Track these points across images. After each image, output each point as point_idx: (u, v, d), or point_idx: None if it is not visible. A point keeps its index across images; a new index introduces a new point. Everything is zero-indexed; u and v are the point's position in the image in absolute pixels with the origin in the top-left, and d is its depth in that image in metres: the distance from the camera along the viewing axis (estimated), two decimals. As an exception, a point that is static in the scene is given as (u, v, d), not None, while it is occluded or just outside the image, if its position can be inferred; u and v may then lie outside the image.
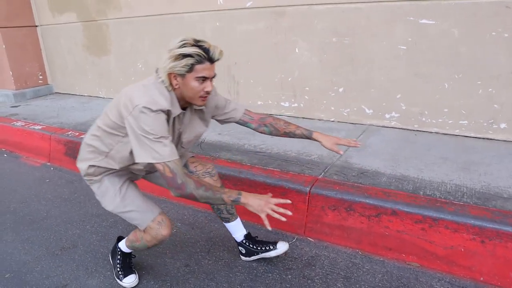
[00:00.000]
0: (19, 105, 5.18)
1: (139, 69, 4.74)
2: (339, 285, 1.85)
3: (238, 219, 2.04)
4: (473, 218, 1.84)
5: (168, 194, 2.49)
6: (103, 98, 5.29)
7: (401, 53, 3.03)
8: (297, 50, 3.49)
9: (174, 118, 1.59)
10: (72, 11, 5.11)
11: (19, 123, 4.11)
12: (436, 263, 1.92)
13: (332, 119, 3.54)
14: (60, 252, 2.22)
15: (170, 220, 1.75)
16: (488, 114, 2.83)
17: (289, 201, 1.57)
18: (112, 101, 1.64)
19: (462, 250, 1.85)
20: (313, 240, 2.22)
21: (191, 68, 1.46)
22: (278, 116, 3.19)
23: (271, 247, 1.99)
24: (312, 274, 1.93)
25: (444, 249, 1.89)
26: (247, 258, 2.05)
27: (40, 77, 5.81)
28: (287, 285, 1.86)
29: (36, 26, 5.61)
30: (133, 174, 1.81)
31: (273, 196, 1.59)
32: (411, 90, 3.08)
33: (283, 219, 1.50)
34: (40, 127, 3.90)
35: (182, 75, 1.48)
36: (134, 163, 1.61)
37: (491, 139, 2.87)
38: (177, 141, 1.70)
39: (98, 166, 1.71)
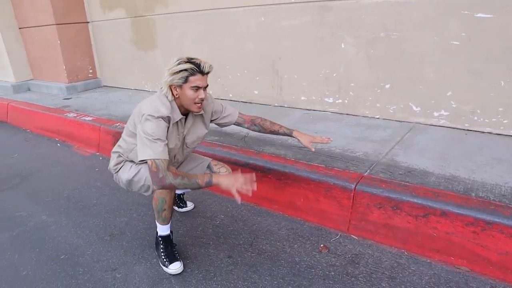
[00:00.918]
0: (70, 98, 5.45)
1: (184, 63, 4.83)
2: (384, 285, 1.81)
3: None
4: (531, 222, 1.74)
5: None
6: (149, 91, 5.45)
7: (453, 48, 2.90)
8: (343, 46, 3.43)
9: (177, 122, 1.91)
10: (121, 7, 5.30)
11: (71, 115, 4.33)
12: (488, 269, 1.83)
13: (377, 116, 3.46)
14: (109, 238, 2.32)
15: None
16: (548, 114, 2.66)
17: (253, 175, 1.74)
18: (131, 116, 1.98)
19: (518, 256, 1.76)
20: (356, 238, 2.19)
21: (186, 80, 1.79)
22: (323, 113, 3.23)
23: (182, 205, 2.59)
24: (356, 272, 1.91)
25: (498, 255, 1.80)
26: (180, 209, 2.59)
27: (90, 71, 6.08)
28: (330, 282, 1.85)
29: (88, 22, 5.86)
30: None
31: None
32: (463, 87, 2.94)
33: (249, 193, 1.69)
34: (90, 119, 4.08)
35: (180, 86, 1.81)
36: None
37: (550, 140, 2.69)
38: (182, 142, 2.01)
39: (123, 157, 2.08)
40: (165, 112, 1.81)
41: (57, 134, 4.37)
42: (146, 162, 1.81)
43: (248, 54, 4.12)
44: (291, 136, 2.24)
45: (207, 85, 1.87)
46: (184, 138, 2.02)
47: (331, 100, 3.68)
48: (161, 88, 1.88)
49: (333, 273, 1.91)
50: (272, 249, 2.12)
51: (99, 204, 2.75)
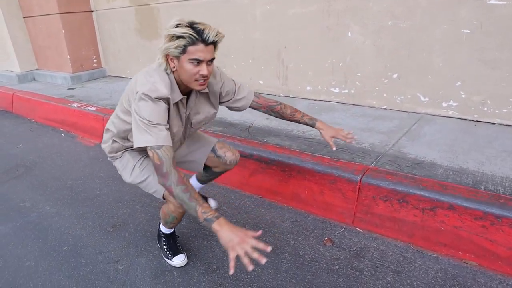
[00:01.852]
0: (75, 87, 5.43)
1: (188, 53, 4.78)
2: (389, 279, 1.78)
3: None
4: (542, 217, 1.69)
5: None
6: (153, 81, 5.40)
7: (464, 37, 2.81)
8: (349, 34, 3.35)
9: (177, 102, 1.59)
10: (126, -5, 5.24)
11: (75, 105, 4.31)
12: (497, 264, 1.79)
13: (384, 107, 3.39)
14: (112, 229, 2.30)
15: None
16: (561, 104, 2.58)
17: (269, 249, 1.28)
18: (126, 89, 1.66)
19: (528, 251, 1.71)
20: (362, 231, 2.15)
21: (183, 50, 1.43)
22: (328, 103, 3.13)
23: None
24: (361, 266, 1.87)
25: (507, 250, 1.75)
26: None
27: (95, 60, 6.05)
28: (335, 276, 1.82)
29: (92, 11, 5.81)
30: None
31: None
32: (473, 77, 2.86)
33: (250, 268, 1.23)
34: (94, 109, 4.06)
35: (177, 57, 1.46)
36: None
37: None
38: (186, 123, 1.72)
39: (121, 144, 1.80)
40: (164, 92, 1.48)
41: (62, 124, 4.36)
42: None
43: (254, 43, 4.05)
44: (313, 127, 1.97)
45: (213, 58, 1.49)
46: (188, 118, 1.72)
47: (337, 90, 3.62)
48: (158, 58, 1.53)
49: (337, 266, 1.88)
50: (276, 242, 2.09)
51: (102, 195, 2.73)
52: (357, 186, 2.15)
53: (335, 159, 2.37)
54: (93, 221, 2.40)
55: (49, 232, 2.31)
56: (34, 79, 6.33)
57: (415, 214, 1.99)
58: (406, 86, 3.21)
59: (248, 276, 1.84)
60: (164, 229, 1.99)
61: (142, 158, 1.82)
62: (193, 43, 1.41)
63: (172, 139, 1.63)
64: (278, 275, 1.84)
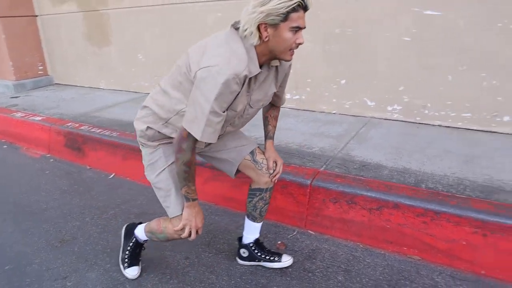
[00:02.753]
0: (19, 96, 5.15)
1: (140, 60, 4.71)
2: (340, 278, 1.84)
3: (261, 223, 1.93)
4: (475, 211, 1.82)
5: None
6: (103, 89, 5.25)
7: (405, 44, 2.98)
8: (299, 41, 3.44)
9: (250, 78, 1.43)
10: (73, 0, 5.06)
11: (19, 114, 4.10)
12: (437, 256, 1.91)
13: (334, 112, 3.51)
14: (59, 244, 2.21)
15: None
16: (491, 106, 2.80)
17: (193, 238, 1.65)
18: (182, 58, 1.51)
19: (464, 243, 1.84)
20: (313, 233, 2.21)
21: (286, 17, 1.29)
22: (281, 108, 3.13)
23: (276, 259, 1.90)
24: (313, 267, 1.92)
25: (445, 243, 1.88)
26: (244, 262, 1.95)
27: (40, 67, 5.78)
28: (288, 278, 1.85)
29: (36, 16, 5.56)
30: None
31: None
32: (414, 82, 3.04)
33: (191, 238, 1.63)
34: (40, 118, 3.88)
35: (275, 25, 1.31)
36: None
37: (494, 132, 2.84)
38: (247, 101, 1.52)
39: (157, 131, 1.61)
40: (241, 69, 1.33)
41: (4, 135, 4.12)
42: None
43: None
44: (265, 140, 1.88)
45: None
46: (250, 96, 1.52)
47: (288, 96, 3.69)
48: (244, 28, 1.35)
49: (290, 269, 1.92)
50: (230, 248, 2.10)
51: (49, 209, 2.61)
52: (308, 190, 2.21)
53: (286, 164, 2.42)
54: (39, 237, 2.29)
55: (-11, 251, 2.18)
56: (-27, 88, 5.94)
57: (363, 214, 2.07)
58: (354, 91, 3.34)
59: (203, 284, 1.83)
60: (141, 235, 1.87)
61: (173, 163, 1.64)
62: (297, 9, 1.29)
63: (226, 121, 1.50)
64: (233, 281, 1.85)
